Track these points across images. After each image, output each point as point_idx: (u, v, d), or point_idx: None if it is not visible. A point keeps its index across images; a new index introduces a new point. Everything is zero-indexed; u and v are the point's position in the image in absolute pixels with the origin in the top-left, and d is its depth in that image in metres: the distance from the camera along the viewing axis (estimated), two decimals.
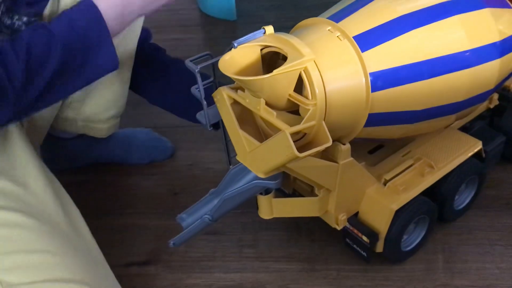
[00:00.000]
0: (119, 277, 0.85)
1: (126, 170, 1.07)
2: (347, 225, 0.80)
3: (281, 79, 0.63)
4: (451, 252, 0.85)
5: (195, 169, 1.05)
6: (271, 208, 0.79)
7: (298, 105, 0.66)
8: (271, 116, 0.65)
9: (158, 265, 0.87)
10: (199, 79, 0.70)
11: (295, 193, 0.83)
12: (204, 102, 0.73)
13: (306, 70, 0.64)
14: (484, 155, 0.86)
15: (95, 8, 0.64)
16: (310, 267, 0.84)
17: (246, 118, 0.73)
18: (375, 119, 0.70)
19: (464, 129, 0.90)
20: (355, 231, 0.79)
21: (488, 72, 0.76)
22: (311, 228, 0.90)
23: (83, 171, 1.09)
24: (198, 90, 0.72)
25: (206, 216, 0.74)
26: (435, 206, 0.83)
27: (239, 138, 0.71)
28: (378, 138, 0.77)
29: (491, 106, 0.89)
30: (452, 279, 0.81)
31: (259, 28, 0.67)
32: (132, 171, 1.07)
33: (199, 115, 0.76)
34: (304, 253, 0.86)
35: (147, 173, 1.06)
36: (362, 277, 0.82)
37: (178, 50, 1.47)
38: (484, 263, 0.83)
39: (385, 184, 0.79)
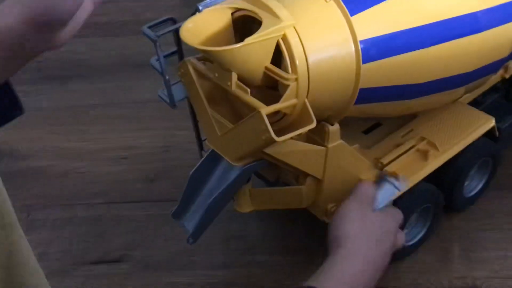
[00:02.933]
0: (86, 277, 0.84)
1: (91, 153, 1.07)
2: None
3: (255, 49, 0.62)
4: (469, 240, 0.85)
5: (173, 151, 1.05)
6: (250, 199, 0.78)
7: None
8: (244, 94, 0.64)
9: (132, 261, 0.87)
10: (158, 49, 0.68)
11: (278, 181, 0.82)
12: (166, 77, 0.71)
13: (284, 38, 0.62)
14: (497, 133, 0.85)
15: None
16: (309, 259, 0.83)
17: (219, 95, 0.71)
18: (368, 95, 0.69)
19: (476, 103, 0.88)
20: None
21: (502, 37, 0.75)
22: (309, 217, 0.88)
23: (39, 155, 1.07)
24: (158, 61, 0.70)
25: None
26: (441, 194, 0.82)
27: (209, 119, 0.69)
28: (373, 116, 0.77)
29: (507, 76, 0.87)
30: (471, 270, 0.81)
31: None
32: (99, 155, 1.06)
33: (161, 92, 0.74)
34: (301, 244, 0.85)
35: (117, 157, 1.06)
36: None
37: (150, 12, 1.45)
38: (506, 251, 0.83)
39: (381, 169, 0.79)
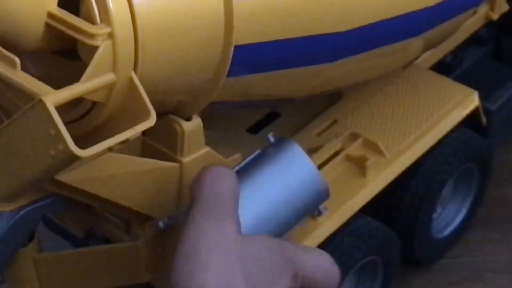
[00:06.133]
0: None
1: None
2: None
3: None
4: None
5: None
6: (36, 275, 0.76)
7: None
8: (9, 67, 0.63)
9: None
10: None
11: (93, 237, 0.82)
12: None
13: None
14: (485, 119, 0.88)
15: None
16: None
17: None
18: (252, 59, 0.71)
19: (445, 67, 0.91)
20: None
21: None
22: None
23: None
24: None
25: None
26: (394, 237, 0.83)
27: None
28: (263, 99, 0.77)
29: (495, 16, 0.90)
30: None
31: None
32: None
33: None
34: None
35: None
36: None
37: None
38: None
39: None
